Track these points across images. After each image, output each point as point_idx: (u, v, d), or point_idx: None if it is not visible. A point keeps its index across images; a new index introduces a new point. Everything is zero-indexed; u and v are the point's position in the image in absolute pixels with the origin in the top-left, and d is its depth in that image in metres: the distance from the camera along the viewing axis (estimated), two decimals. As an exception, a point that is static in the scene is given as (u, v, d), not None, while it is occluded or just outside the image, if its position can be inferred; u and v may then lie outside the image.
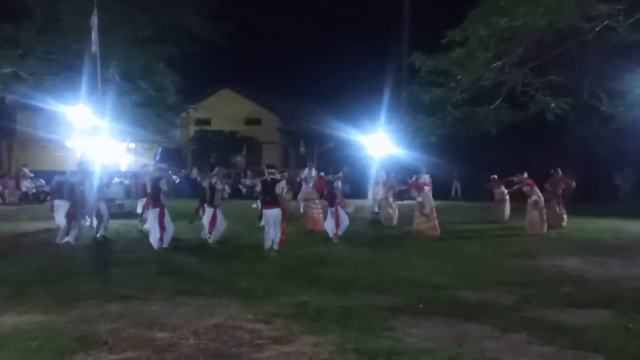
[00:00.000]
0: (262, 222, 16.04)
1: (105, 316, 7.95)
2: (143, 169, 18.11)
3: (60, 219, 15.27)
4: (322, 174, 20.00)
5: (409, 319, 7.92)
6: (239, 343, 6.81)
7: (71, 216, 13.52)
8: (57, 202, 16.17)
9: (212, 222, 14.48)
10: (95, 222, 15.71)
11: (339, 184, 16.13)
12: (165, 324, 7.58)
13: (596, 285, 10.27)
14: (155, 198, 14.14)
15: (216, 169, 15.57)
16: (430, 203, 17.29)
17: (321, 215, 17.35)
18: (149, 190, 14.82)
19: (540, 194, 17.91)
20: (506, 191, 20.78)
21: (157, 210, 13.86)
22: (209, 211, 14.62)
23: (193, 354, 6.41)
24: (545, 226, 17.70)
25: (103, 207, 15.73)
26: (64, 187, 14.44)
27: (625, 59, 17.74)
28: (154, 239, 13.83)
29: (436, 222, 17.17)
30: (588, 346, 6.75)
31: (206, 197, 14.76)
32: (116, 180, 25.65)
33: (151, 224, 14.10)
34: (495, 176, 21.62)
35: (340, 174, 16.82)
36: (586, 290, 9.79)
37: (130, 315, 8.00)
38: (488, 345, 6.81)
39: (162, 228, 13.83)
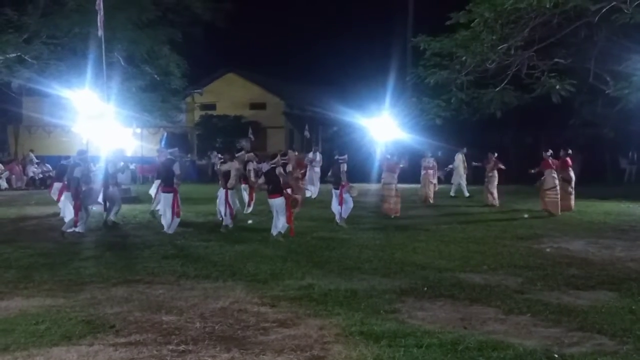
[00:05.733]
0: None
1: (111, 300, 8.00)
2: (161, 154, 18.01)
3: (63, 209, 15.21)
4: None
5: (414, 302, 7.96)
6: (244, 326, 6.85)
7: (79, 208, 13.57)
8: (56, 184, 16.25)
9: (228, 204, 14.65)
10: (107, 206, 15.75)
11: (344, 166, 16.10)
12: (172, 307, 7.63)
13: (601, 268, 10.27)
14: (168, 183, 14.23)
15: (242, 152, 15.82)
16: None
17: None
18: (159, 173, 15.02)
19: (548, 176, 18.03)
20: (496, 173, 20.77)
21: (171, 195, 13.96)
22: (222, 194, 14.83)
23: (199, 337, 6.45)
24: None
25: (116, 192, 15.78)
26: (68, 179, 14.44)
27: (631, 40, 17.63)
28: (166, 223, 13.99)
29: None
30: (593, 328, 6.77)
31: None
32: (132, 166, 25.65)
33: (164, 209, 14.22)
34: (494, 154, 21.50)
35: (345, 156, 16.79)
36: (591, 273, 9.79)
37: (136, 299, 8.05)
38: (493, 328, 6.84)
39: (176, 214, 13.98)
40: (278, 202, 13.08)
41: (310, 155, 23.92)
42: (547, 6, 15.88)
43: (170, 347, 6.13)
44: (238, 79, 44.15)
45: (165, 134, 39.63)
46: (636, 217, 17.65)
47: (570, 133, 32.38)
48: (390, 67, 34.29)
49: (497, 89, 19.18)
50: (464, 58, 18.49)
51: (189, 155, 36.90)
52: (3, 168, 30.40)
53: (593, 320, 7.05)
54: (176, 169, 14.27)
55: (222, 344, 6.23)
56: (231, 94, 42.67)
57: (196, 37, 33.01)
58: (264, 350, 6.04)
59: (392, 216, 17.18)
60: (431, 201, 21.60)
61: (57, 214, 16.19)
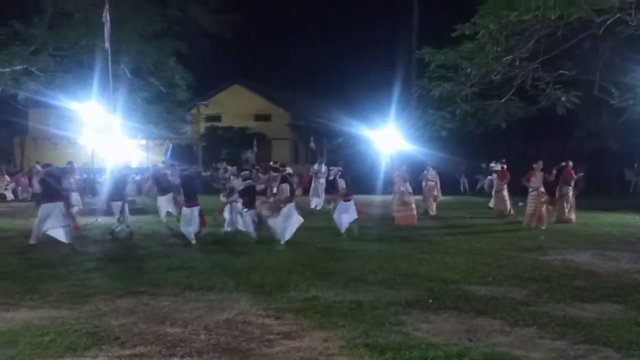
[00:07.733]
0: None
1: (116, 311, 8.00)
2: (166, 168, 18.06)
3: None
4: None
5: (419, 314, 7.93)
6: (249, 338, 6.84)
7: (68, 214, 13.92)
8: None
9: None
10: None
11: (341, 180, 16.21)
12: (176, 319, 7.62)
13: (607, 280, 10.22)
14: (191, 197, 14.37)
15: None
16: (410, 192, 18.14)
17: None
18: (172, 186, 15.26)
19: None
20: (506, 184, 20.75)
21: (196, 209, 14.13)
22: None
23: (204, 349, 6.44)
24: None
25: (125, 206, 15.89)
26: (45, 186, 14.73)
27: (636, 52, 17.66)
28: (189, 235, 14.17)
29: (414, 211, 18.17)
30: (598, 340, 6.73)
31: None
32: (137, 178, 25.75)
33: (189, 222, 14.29)
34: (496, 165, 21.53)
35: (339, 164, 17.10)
36: (597, 285, 9.74)
37: (141, 311, 8.05)
38: (498, 340, 6.81)
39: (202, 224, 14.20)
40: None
41: (316, 166, 23.90)
42: (552, 18, 15.96)
43: (175, 359, 6.12)
44: (243, 91, 44.34)
45: (171, 145, 39.80)
46: (642, 229, 17.58)
47: (575, 144, 32.38)
48: (395, 79, 34.36)
49: (502, 100, 19.23)
50: (468, 70, 18.57)
51: (193, 167, 36.99)
52: (9, 179, 30.51)
53: (599, 332, 7.02)
54: (198, 184, 14.57)
55: (226, 356, 6.23)
56: (236, 106, 42.83)
57: (202, 49, 33.29)
58: (269, 362, 6.04)
59: (404, 225, 17.28)
60: (432, 213, 21.39)
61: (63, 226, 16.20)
